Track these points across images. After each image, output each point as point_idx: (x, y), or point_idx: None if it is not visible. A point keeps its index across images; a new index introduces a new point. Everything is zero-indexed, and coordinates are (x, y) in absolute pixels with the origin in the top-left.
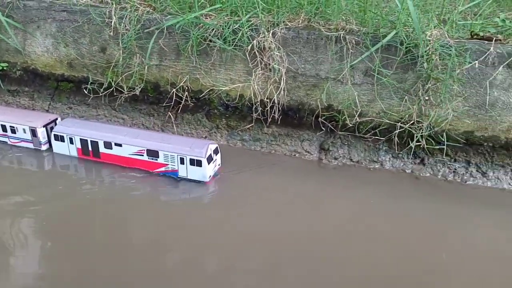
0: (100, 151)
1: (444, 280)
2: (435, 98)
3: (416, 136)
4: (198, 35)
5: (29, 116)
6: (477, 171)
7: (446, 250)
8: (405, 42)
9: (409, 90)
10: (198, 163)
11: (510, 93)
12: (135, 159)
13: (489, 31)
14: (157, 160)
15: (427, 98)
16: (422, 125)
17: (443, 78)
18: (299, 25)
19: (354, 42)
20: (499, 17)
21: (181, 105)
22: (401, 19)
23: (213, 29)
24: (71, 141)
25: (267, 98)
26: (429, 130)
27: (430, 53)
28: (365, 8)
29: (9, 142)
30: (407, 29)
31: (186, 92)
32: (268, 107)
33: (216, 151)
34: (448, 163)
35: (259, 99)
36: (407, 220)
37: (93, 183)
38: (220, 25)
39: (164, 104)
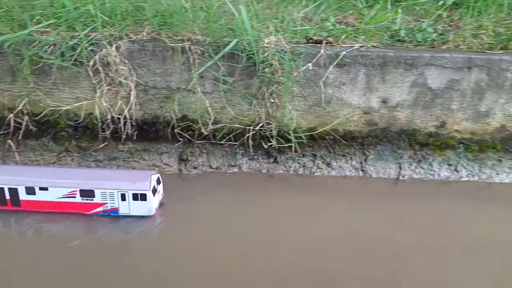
0: (20, 198)
1: (303, 262)
2: (280, 100)
3: (267, 137)
4: (32, 53)
5: None
6: (322, 162)
7: (301, 238)
8: (246, 50)
9: (256, 95)
10: (143, 197)
11: (342, 90)
12: (66, 202)
13: (321, 35)
14: (92, 200)
15: (272, 100)
16: (272, 126)
17: (284, 81)
18: (144, 38)
19: (199, 52)
20: (330, 21)
21: (21, 131)
22: (241, 28)
23: (49, 46)
24: None
25: (119, 114)
26: (278, 130)
27: (269, 59)
28: (208, 18)
29: None
30: (247, 37)
31: (27, 116)
32: (122, 123)
33: (158, 181)
34: (297, 158)
35: (109, 116)
36: (262, 214)
37: (11, 239)
38: (58, 41)
39: (1, 132)
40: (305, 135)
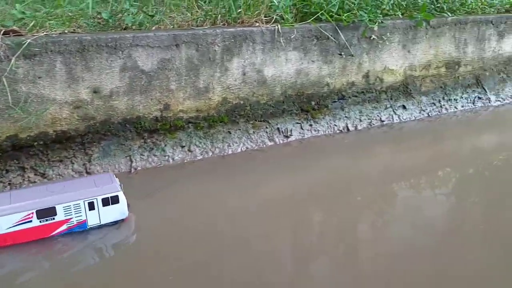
0: None
1: None
2: None
3: None
4: None
5: None
6: (35, 174)
7: None
8: None
9: None
10: (114, 200)
11: (39, 85)
12: (18, 231)
13: (6, 25)
14: (54, 219)
15: None
16: None
17: None
18: None
19: None
20: (16, 9)
21: None
22: None
23: None
24: None
25: None
26: None
27: None
28: None
29: None
30: None
31: None
32: None
33: (119, 181)
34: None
35: None
36: None
37: None
38: None
39: None
40: (4, 145)
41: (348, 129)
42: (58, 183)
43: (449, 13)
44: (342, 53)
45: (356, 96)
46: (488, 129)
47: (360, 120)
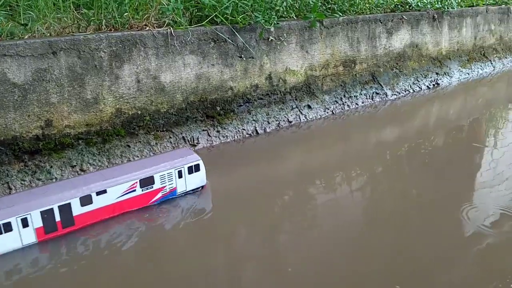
0: (73, 214)
1: None
2: None
3: None
4: None
5: None
6: None
7: None
8: None
9: None
10: (197, 168)
11: None
12: (124, 200)
13: None
14: (152, 187)
15: None
16: None
17: None
18: None
19: None
20: None
21: None
22: None
23: None
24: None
25: None
26: None
27: None
28: None
29: None
30: None
31: None
32: None
33: None
34: None
35: None
36: None
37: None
38: None
39: None
40: None
41: (257, 133)
42: (143, 160)
43: (340, 13)
44: (242, 56)
45: (261, 99)
46: (388, 122)
47: (268, 123)
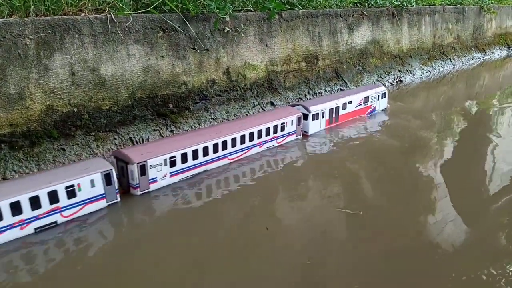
0: (339, 114)
1: None
2: None
3: None
4: None
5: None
6: None
7: None
8: None
9: None
10: (384, 96)
11: None
12: (357, 110)
13: None
14: (367, 103)
15: None
16: None
17: None
18: None
19: None
20: None
21: None
22: None
23: None
24: (322, 116)
25: None
26: None
27: None
28: None
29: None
30: None
31: None
32: None
33: None
34: None
35: None
36: None
37: None
38: None
39: None
40: None
41: None
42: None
43: (300, 6)
44: (196, 47)
45: (220, 95)
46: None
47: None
